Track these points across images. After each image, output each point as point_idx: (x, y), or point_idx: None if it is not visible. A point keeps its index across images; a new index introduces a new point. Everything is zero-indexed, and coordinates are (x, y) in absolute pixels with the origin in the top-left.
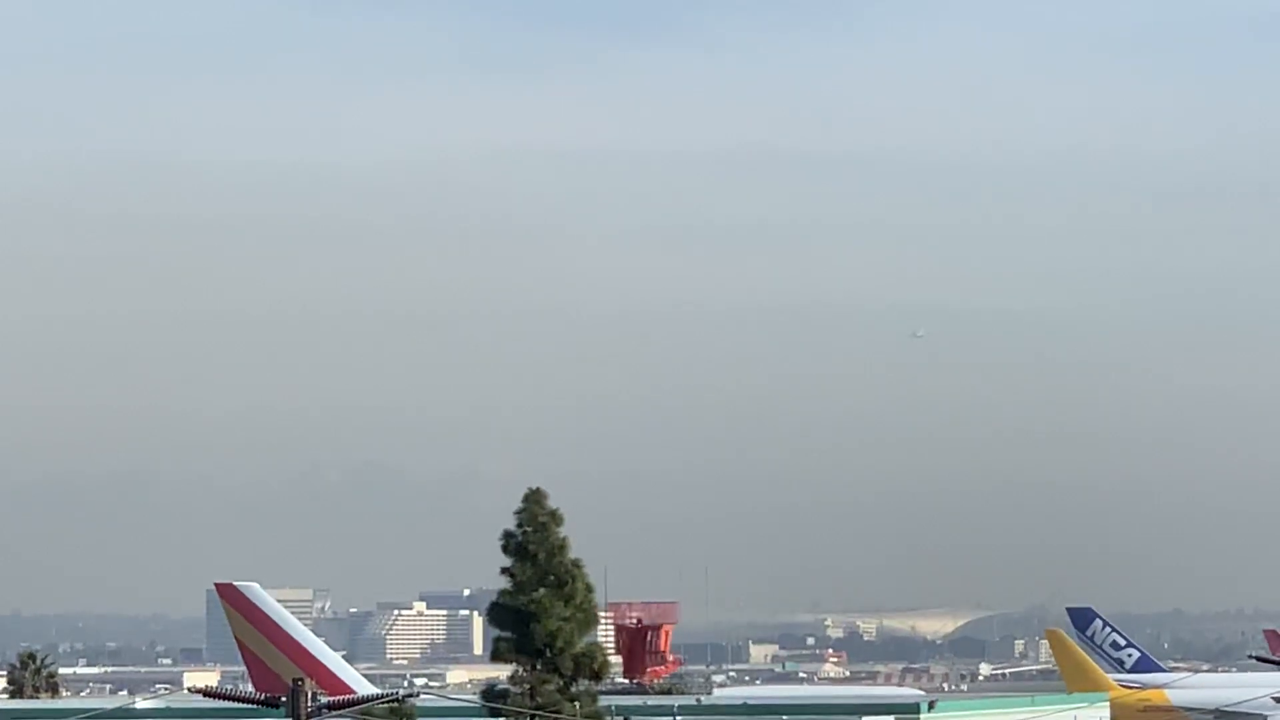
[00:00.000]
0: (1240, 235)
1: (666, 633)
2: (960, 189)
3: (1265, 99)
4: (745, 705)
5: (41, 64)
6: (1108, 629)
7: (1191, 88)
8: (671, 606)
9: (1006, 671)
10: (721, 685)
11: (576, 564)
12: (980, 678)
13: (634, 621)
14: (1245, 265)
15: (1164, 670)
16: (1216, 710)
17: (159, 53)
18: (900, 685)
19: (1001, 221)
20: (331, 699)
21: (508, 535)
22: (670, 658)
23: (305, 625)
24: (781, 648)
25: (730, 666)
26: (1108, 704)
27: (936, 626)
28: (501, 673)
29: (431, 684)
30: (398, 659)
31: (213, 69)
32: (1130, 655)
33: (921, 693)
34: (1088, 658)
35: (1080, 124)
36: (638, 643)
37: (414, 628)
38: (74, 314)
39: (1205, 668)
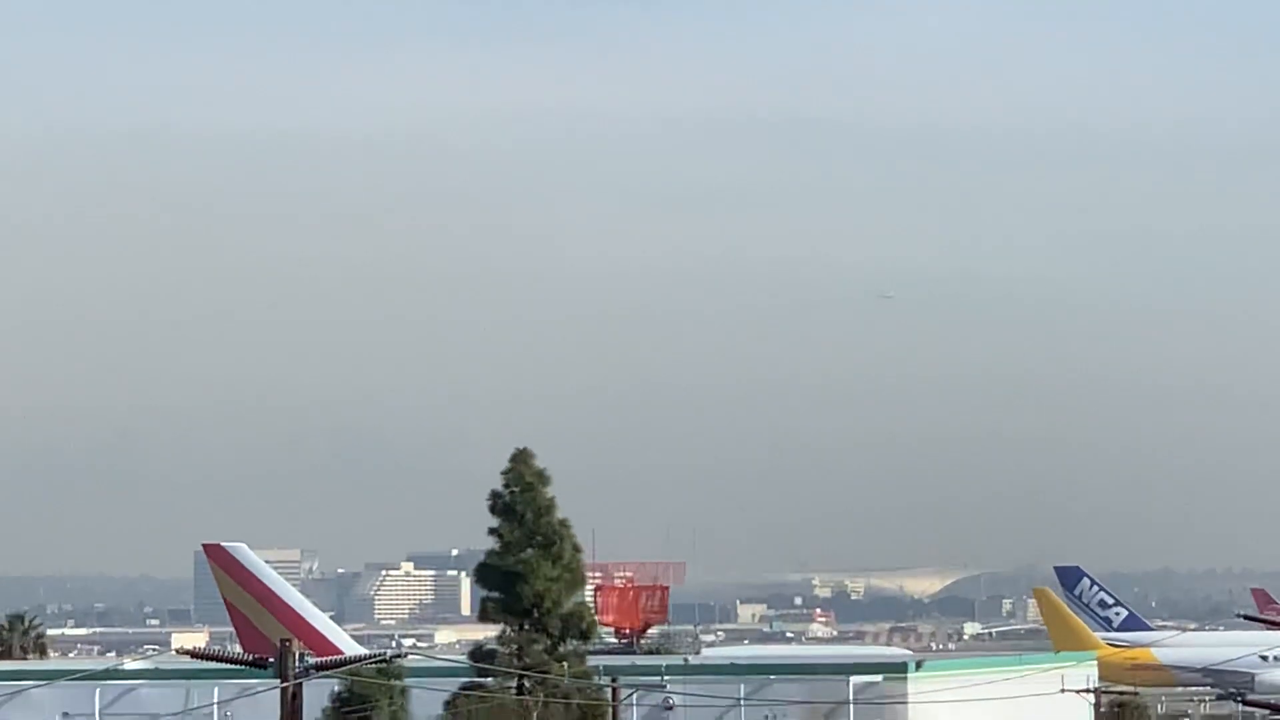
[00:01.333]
0: (1228, 199)
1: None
2: (946, 156)
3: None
4: (733, 665)
5: (27, 36)
6: (1095, 588)
7: (1176, 57)
8: (679, 566)
9: (993, 630)
10: (712, 645)
11: (564, 524)
12: (965, 637)
13: (625, 581)
14: (1234, 229)
15: (1152, 629)
16: (1204, 669)
17: (138, 22)
18: (888, 644)
19: (995, 187)
20: (319, 659)
21: (495, 495)
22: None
23: (293, 586)
24: (769, 607)
25: (718, 626)
26: (1095, 663)
27: (924, 586)
28: (489, 633)
29: (419, 644)
30: (386, 619)
31: (198, 38)
32: (1118, 614)
33: (909, 652)
34: (1075, 616)
35: (1064, 91)
36: (629, 602)
37: (402, 588)
38: (61, 281)
39: (1193, 626)
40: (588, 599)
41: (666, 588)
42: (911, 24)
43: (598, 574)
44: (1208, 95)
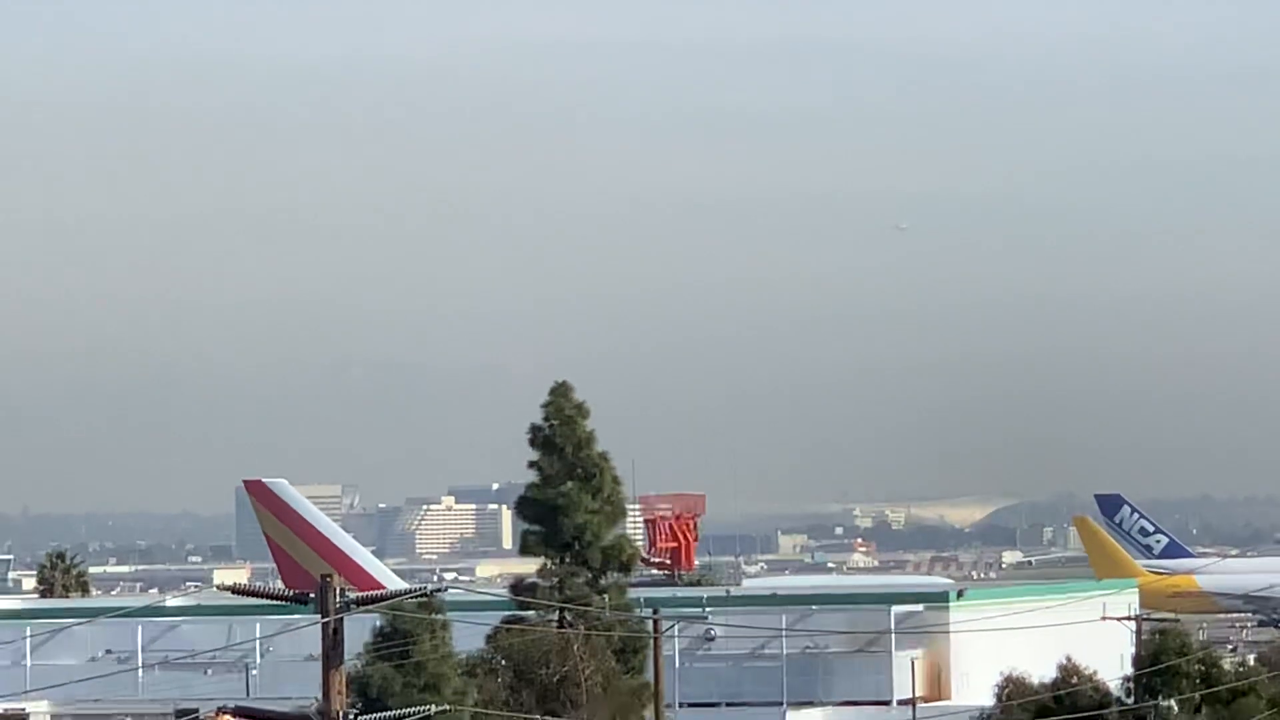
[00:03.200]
0: (1242, 120)
1: (691, 524)
2: (966, 80)
3: None
4: (774, 596)
5: None
6: (1136, 515)
7: None
8: (699, 498)
9: (1034, 559)
10: (756, 575)
11: (604, 456)
12: (1004, 565)
13: (670, 513)
14: (1257, 150)
15: (1193, 556)
16: (1245, 595)
17: None
18: (929, 574)
19: (1023, 112)
20: (361, 594)
21: (535, 429)
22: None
23: (334, 521)
24: (810, 538)
25: (759, 557)
26: (1136, 590)
27: (965, 515)
28: (530, 566)
29: (461, 578)
30: (427, 554)
31: None
32: (1159, 541)
33: (950, 581)
34: (1116, 544)
35: (1079, 18)
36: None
37: (443, 522)
38: (98, 211)
39: (1234, 553)
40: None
41: (695, 517)
42: None
43: (638, 506)
44: (1228, 21)
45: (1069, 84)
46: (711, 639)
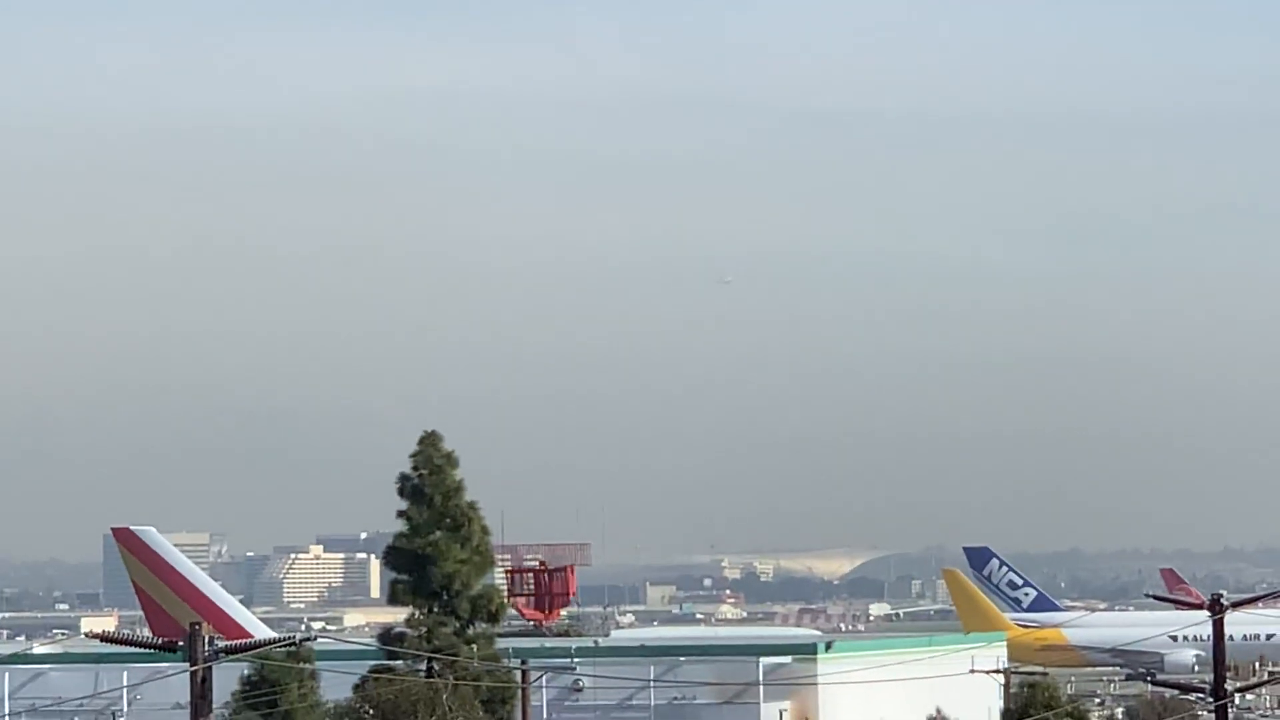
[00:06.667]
0: (1106, 173)
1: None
2: (872, 136)
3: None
4: (643, 647)
5: None
6: (1004, 568)
7: (1122, 36)
8: (585, 547)
9: (900, 611)
10: (629, 625)
11: (472, 506)
12: (871, 618)
13: (539, 564)
14: (1143, 208)
15: (1061, 609)
16: (1114, 649)
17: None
18: (798, 626)
19: (917, 168)
20: (229, 643)
21: (403, 478)
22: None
23: (202, 569)
24: (679, 589)
25: (627, 608)
26: (1005, 643)
27: (833, 567)
28: (398, 615)
29: (329, 627)
30: (295, 602)
31: (99, 15)
32: (1027, 594)
33: (819, 633)
34: (985, 597)
35: (1005, 71)
36: (540, 585)
37: (311, 571)
38: None
39: (1102, 606)
40: (499, 582)
41: (572, 567)
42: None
43: (506, 556)
44: (1159, 74)
45: (919, 144)
46: (580, 689)
